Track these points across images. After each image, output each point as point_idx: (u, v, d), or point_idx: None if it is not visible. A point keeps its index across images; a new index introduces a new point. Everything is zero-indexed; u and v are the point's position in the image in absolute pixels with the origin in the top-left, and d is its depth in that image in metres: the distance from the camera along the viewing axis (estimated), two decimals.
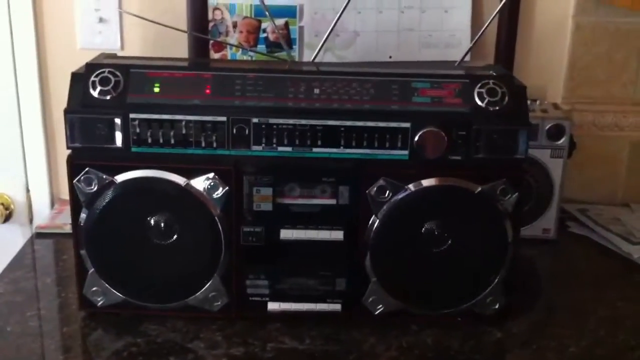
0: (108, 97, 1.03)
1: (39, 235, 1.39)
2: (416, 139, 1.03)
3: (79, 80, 1.04)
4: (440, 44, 1.45)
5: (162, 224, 1.04)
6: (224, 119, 1.03)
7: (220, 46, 1.45)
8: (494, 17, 1.20)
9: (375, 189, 1.04)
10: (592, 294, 1.24)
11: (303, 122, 1.03)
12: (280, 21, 1.43)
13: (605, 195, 1.58)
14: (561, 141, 1.38)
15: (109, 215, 1.04)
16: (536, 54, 1.49)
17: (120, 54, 1.40)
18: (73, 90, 1.04)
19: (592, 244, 1.43)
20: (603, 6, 1.45)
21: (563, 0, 1.47)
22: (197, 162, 1.04)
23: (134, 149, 1.04)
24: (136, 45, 1.45)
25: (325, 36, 1.21)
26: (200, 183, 1.04)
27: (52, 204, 1.52)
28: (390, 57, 1.46)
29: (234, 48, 1.44)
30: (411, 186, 1.04)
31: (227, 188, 1.04)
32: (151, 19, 1.24)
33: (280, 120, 1.03)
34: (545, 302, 1.23)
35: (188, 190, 1.04)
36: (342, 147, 1.04)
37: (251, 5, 1.43)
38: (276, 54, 1.44)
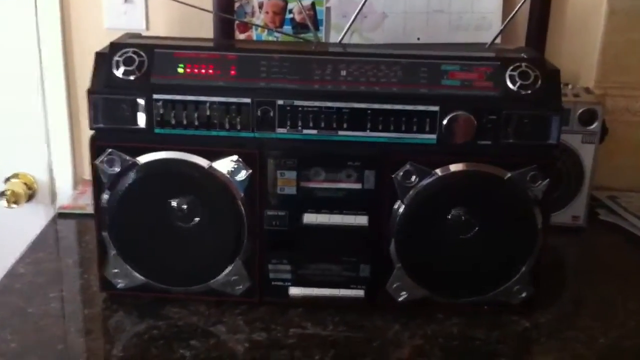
0: (132, 77, 1.01)
1: (61, 216, 1.38)
2: (444, 123, 1.00)
3: (102, 60, 1.03)
4: (470, 27, 1.42)
5: (185, 207, 1.03)
6: (248, 100, 1.01)
7: (246, 27, 1.43)
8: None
9: (401, 173, 1.02)
10: (621, 285, 1.21)
11: (329, 104, 1.01)
12: (307, 2, 1.41)
13: (636, 182, 1.54)
14: (593, 126, 1.34)
15: (131, 197, 1.03)
16: (569, 38, 1.45)
17: (145, 34, 1.40)
18: (97, 70, 1.03)
19: (622, 231, 1.40)
20: None
21: None
22: (221, 145, 1.02)
23: (157, 131, 1.02)
24: (161, 25, 1.43)
25: (353, 17, 1.19)
26: (223, 166, 1.02)
27: (75, 185, 1.52)
28: (418, 39, 1.42)
29: (259, 29, 1.42)
30: (438, 171, 1.01)
31: (250, 171, 1.02)
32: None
33: (306, 103, 1.01)
34: (574, 292, 1.20)
35: (211, 173, 1.02)
36: (368, 131, 1.02)
37: None
38: (302, 35, 1.41)
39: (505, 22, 1.21)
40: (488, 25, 1.41)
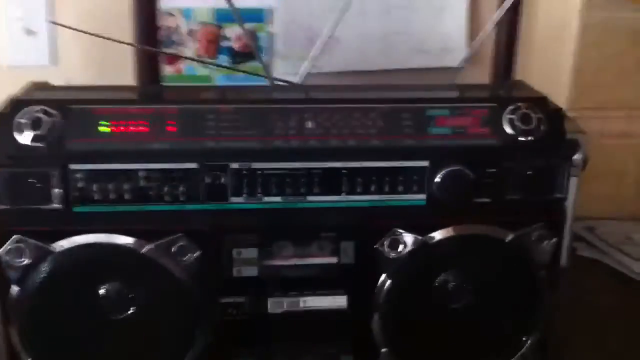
0: (41, 144, 0.79)
1: None
2: (435, 180, 0.83)
3: (2, 122, 0.80)
4: (433, 49, 1.25)
5: (118, 299, 0.81)
6: (194, 165, 0.81)
7: (174, 58, 1.22)
8: (497, 18, 1.01)
9: (386, 243, 0.84)
10: (612, 330, 1.07)
11: (295, 165, 0.82)
12: (247, 27, 1.20)
13: (613, 209, 1.41)
14: (575, 157, 1.19)
15: (48, 292, 0.81)
16: (539, 56, 1.31)
17: (53, 70, 1.17)
18: None
19: (605, 268, 1.26)
20: (614, 0, 1.27)
21: None
22: (161, 222, 0.82)
23: (76, 209, 0.81)
24: (73, 59, 1.20)
25: (317, 46, 1.00)
26: (165, 247, 0.81)
27: None
28: (375, 64, 1.25)
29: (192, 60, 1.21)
30: (430, 237, 0.84)
31: (199, 252, 0.82)
32: (89, 28, 1.01)
33: (266, 165, 0.82)
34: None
35: (149, 258, 0.81)
36: (344, 194, 0.83)
37: (211, 9, 1.20)
38: (244, 66, 1.21)
39: (475, 44, 1.05)
40: (452, 46, 1.25)
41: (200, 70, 1.22)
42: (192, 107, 0.83)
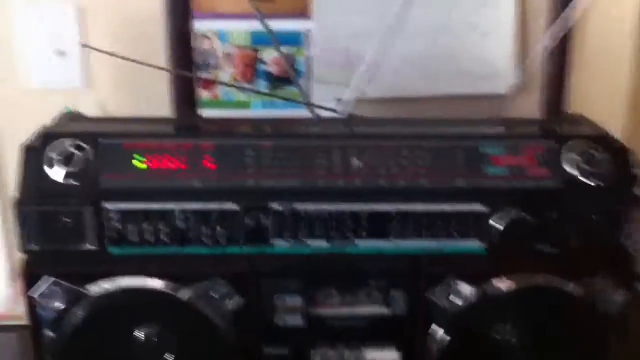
0: (73, 181, 0.75)
1: None
2: (494, 225, 0.77)
3: (32, 156, 0.76)
4: (478, 75, 1.19)
5: (155, 347, 0.77)
6: (234, 206, 0.76)
7: (210, 82, 1.17)
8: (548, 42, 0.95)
9: (440, 292, 0.78)
10: None
11: (340, 206, 0.77)
12: (282, 51, 1.15)
13: None
14: None
15: (82, 338, 0.77)
16: (590, 82, 1.24)
17: (85, 93, 1.13)
18: (25, 171, 0.76)
19: None
20: None
21: (621, 16, 1.21)
22: (199, 265, 0.77)
23: (111, 250, 0.76)
24: (105, 82, 1.16)
25: (357, 79, 0.94)
26: (203, 292, 0.77)
27: (12, 280, 1.22)
28: (418, 91, 1.19)
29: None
30: (488, 287, 0.78)
31: (239, 297, 0.77)
32: (122, 50, 0.98)
33: (309, 205, 0.76)
34: None
35: (188, 303, 0.77)
36: (394, 239, 0.78)
37: (247, 31, 1.15)
38: (281, 92, 1.17)
39: (523, 70, 0.99)
40: (498, 72, 1.19)
41: (237, 95, 1.18)
42: (229, 142, 0.78)
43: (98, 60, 1.14)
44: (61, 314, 0.76)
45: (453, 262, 0.78)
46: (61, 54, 1.14)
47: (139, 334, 0.77)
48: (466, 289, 0.78)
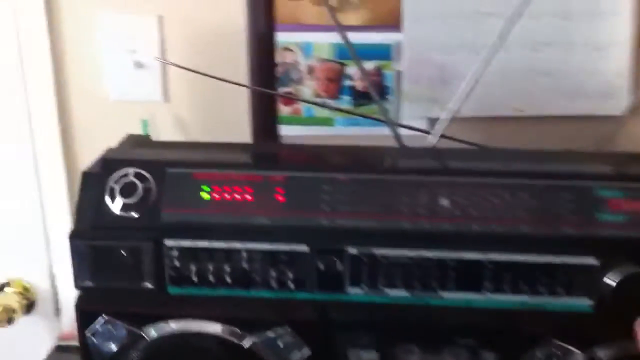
0: (134, 214, 0.69)
1: (60, 349, 1.06)
2: (607, 282, 0.66)
3: (91, 184, 0.71)
4: (588, 94, 1.06)
5: None
6: (305, 248, 0.68)
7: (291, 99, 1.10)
8: None
9: (538, 356, 0.68)
10: None
11: (426, 253, 0.67)
12: (370, 65, 1.07)
13: None
14: None
15: None
16: None
17: (162, 106, 1.08)
18: (83, 200, 0.70)
19: None
20: None
21: None
22: (265, 311, 0.70)
23: (171, 290, 0.70)
24: (184, 96, 1.11)
25: (455, 101, 0.85)
26: (269, 342, 0.69)
27: None
28: (517, 110, 1.08)
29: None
30: (595, 353, 0.67)
31: (308, 349, 0.69)
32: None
33: (391, 251, 0.67)
34: None
35: (251, 352, 0.69)
36: (486, 292, 0.67)
37: (332, 44, 1.07)
38: (365, 108, 1.08)
39: None
40: (612, 91, 1.06)
41: (320, 112, 1.10)
42: (303, 175, 0.70)
43: (177, 74, 1.09)
44: (116, 356, 0.70)
45: (555, 322, 0.67)
46: (140, 66, 1.10)
47: None
48: (569, 353, 0.67)
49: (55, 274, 1.21)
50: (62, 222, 1.17)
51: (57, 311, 1.22)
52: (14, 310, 1.18)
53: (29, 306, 1.21)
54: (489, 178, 0.69)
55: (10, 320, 1.17)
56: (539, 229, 0.67)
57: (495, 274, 0.67)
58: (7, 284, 1.20)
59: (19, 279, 1.21)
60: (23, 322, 1.19)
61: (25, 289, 1.21)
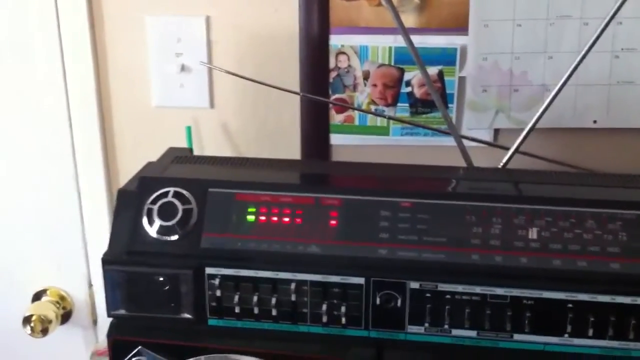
0: (172, 238, 0.63)
1: None
2: None
3: (127, 204, 0.65)
4: None
5: None
6: (360, 280, 0.61)
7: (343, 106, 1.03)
8: None
9: None
10: None
11: (498, 291, 0.59)
12: (431, 70, 0.99)
13: None
14: None
15: None
16: None
17: (208, 113, 1.02)
18: (118, 221, 0.65)
19: None
20: None
21: None
22: (315, 348, 0.63)
23: (212, 322, 0.64)
24: (231, 102, 1.04)
25: (534, 120, 0.76)
26: None
27: None
28: (594, 122, 0.98)
29: (365, 105, 1.01)
30: None
31: None
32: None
33: (458, 287, 0.60)
34: None
35: None
36: (566, 336, 0.59)
37: (390, 48, 0.99)
38: (425, 117, 1.00)
39: None
40: None
41: (374, 120, 1.02)
42: (360, 198, 0.63)
43: (224, 78, 1.02)
44: None
45: None
46: (186, 70, 1.04)
47: None
48: None
49: (93, 283, 1.16)
50: (102, 230, 1.12)
51: (94, 322, 1.18)
52: (49, 321, 1.14)
53: (66, 316, 1.18)
54: (572, 206, 0.60)
55: (45, 331, 1.13)
56: (631, 267, 0.58)
57: (578, 316, 0.59)
58: (44, 292, 1.17)
59: (56, 287, 1.17)
60: (59, 332, 1.16)
61: (62, 298, 1.17)
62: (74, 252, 1.14)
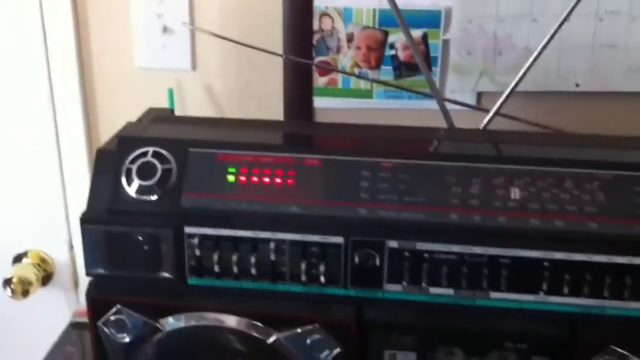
0: (152, 197, 0.62)
1: (77, 326, 1.01)
2: None
3: (106, 164, 0.64)
4: None
5: None
6: (339, 239, 0.61)
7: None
8: None
9: None
10: None
11: (476, 249, 0.60)
12: (416, 33, 0.98)
13: None
14: None
15: None
16: None
17: (190, 75, 1.01)
18: (97, 180, 0.64)
19: None
20: None
21: None
22: (294, 307, 0.63)
23: (191, 281, 0.64)
24: (213, 64, 1.03)
25: (515, 82, 0.76)
26: (296, 339, 0.63)
27: None
28: (577, 85, 0.98)
29: (348, 68, 1.01)
30: None
31: (340, 350, 0.63)
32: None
33: (436, 246, 0.60)
34: None
35: (276, 350, 0.63)
36: (542, 294, 0.60)
37: (374, 10, 0.98)
38: (410, 80, 1.00)
39: None
40: None
41: (358, 83, 1.02)
42: (341, 158, 0.63)
43: (206, 40, 1.01)
44: (129, 348, 0.65)
45: (619, 329, 0.60)
46: (168, 31, 1.03)
47: None
48: None
49: (74, 245, 1.16)
50: (82, 193, 1.11)
51: (76, 284, 1.18)
52: (30, 283, 1.14)
53: (46, 278, 1.18)
54: (551, 166, 0.61)
55: (25, 293, 1.13)
56: (608, 227, 0.59)
57: (554, 274, 0.59)
58: (25, 255, 1.17)
59: (36, 250, 1.17)
60: (40, 294, 1.16)
61: (43, 260, 1.17)
62: (54, 214, 1.14)
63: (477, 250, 0.60)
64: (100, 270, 0.64)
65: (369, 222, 0.61)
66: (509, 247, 0.59)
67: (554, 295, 0.60)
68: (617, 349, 0.60)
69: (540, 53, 0.76)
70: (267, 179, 0.63)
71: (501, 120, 0.84)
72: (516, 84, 0.78)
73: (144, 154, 0.63)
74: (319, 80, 1.02)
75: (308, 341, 0.63)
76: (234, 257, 0.62)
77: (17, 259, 1.17)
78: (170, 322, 0.64)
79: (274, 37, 0.99)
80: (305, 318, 0.63)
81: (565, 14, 0.76)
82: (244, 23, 0.99)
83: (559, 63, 0.98)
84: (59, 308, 1.17)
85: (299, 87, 1.02)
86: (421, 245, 0.60)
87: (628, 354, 0.60)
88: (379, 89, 1.02)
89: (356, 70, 1.01)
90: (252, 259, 0.62)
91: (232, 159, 0.63)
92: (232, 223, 0.62)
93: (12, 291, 1.12)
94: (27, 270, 1.15)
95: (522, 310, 0.61)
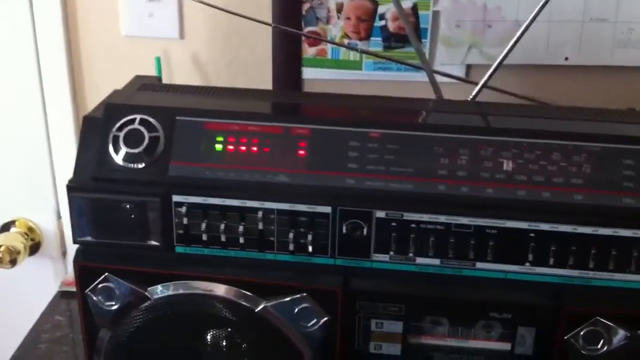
0: (139, 165, 0.62)
1: (65, 295, 1.02)
2: None
3: (93, 131, 0.64)
4: None
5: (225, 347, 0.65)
6: (327, 209, 0.61)
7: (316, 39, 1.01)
8: None
9: (581, 334, 0.61)
10: None
11: (462, 220, 0.60)
12: (406, 4, 0.98)
13: None
14: None
15: (140, 343, 0.66)
16: None
17: (178, 44, 1.00)
18: (84, 148, 0.64)
19: None
20: None
21: None
22: (281, 275, 0.64)
23: (179, 250, 0.64)
24: (201, 33, 1.02)
25: (503, 54, 0.76)
26: (283, 307, 0.63)
27: None
28: (566, 59, 0.98)
29: (338, 39, 1.00)
30: None
31: (327, 318, 0.63)
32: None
33: (423, 216, 0.60)
34: None
35: (264, 318, 0.64)
36: (528, 265, 0.61)
37: None
38: (399, 52, 0.99)
39: None
40: None
41: (347, 54, 1.01)
42: (329, 128, 0.62)
43: (194, 8, 1.00)
44: (117, 316, 0.65)
45: (604, 299, 0.60)
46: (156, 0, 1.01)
47: (204, 348, 0.66)
48: (616, 332, 0.60)
49: (62, 214, 1.16)
50: (70, 161, 1.11)
51: (64, 254, 1.18)
52: (18, 252, 1.13)
53: (34, 247, 1.17)
54: (539, 138, 0.61)
55: (13, 262, 1.12)
56: (594, 197, 0.59)
57: (540, 245, 0.60)
58: (12, 224, 1.16)
59: (24, 218, 1.16)
60: (28, 263, 1.15)
61: (31, 229, 1.17)
62: (42, 183, 1.13)
63: (464, 220, 0.60)
64: (88, 238, 0.64)
65: (356, 192, 0.61)
66: (495, 217, 0.60)
67: (539, 266, 0.61)
68: (602, 320, 0.61)
69: (528, 26, 0.76)
70: (255, 148, 0.63)
71: (490, 92, 0.84)
72: (504, 57, 0.77)
73: (131, 122, 0.63)
74: (308, 51, 1.02)
75: (296, 310, 0.63)
76: (222, 226, 0.62)
77: (5, 227, 1.16)
78: (159, 290, 0.64)
79: (263, 6, 0.98)
80: (294, 287, 0.63)
81: None
82: None
83: (548, 36, 0.98)
84: (47, 277, 1.16)
85: (287, 58, 1.01)
86: (408, 216, 0.60)
87: (613, 325, 0.61)
88: (368, 60, 1.01)
89: (345, 41, 1.00)
90: (240, 228, 0.62)
91: (220, 128, 0.63)
92: (219, 192, 0.62)
93: (0, 260, 1.12)
94: (15, 239, 1.14)
95: (508, 280, 0.61)
